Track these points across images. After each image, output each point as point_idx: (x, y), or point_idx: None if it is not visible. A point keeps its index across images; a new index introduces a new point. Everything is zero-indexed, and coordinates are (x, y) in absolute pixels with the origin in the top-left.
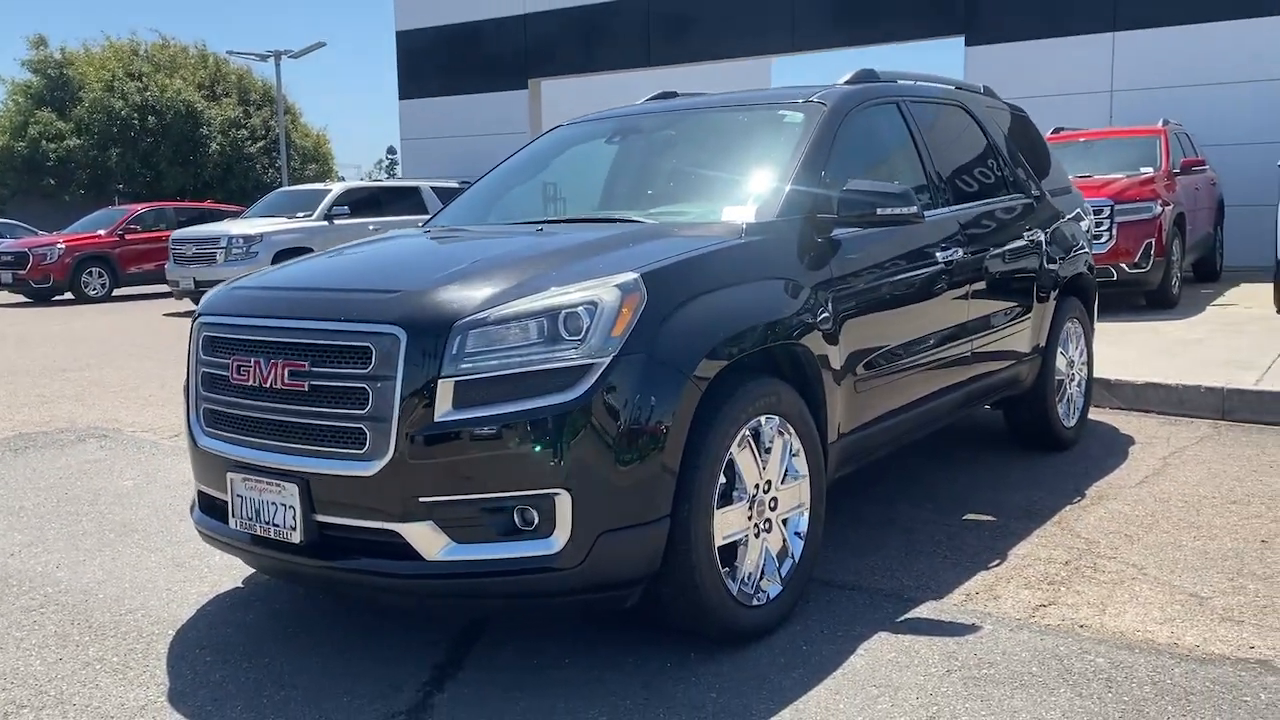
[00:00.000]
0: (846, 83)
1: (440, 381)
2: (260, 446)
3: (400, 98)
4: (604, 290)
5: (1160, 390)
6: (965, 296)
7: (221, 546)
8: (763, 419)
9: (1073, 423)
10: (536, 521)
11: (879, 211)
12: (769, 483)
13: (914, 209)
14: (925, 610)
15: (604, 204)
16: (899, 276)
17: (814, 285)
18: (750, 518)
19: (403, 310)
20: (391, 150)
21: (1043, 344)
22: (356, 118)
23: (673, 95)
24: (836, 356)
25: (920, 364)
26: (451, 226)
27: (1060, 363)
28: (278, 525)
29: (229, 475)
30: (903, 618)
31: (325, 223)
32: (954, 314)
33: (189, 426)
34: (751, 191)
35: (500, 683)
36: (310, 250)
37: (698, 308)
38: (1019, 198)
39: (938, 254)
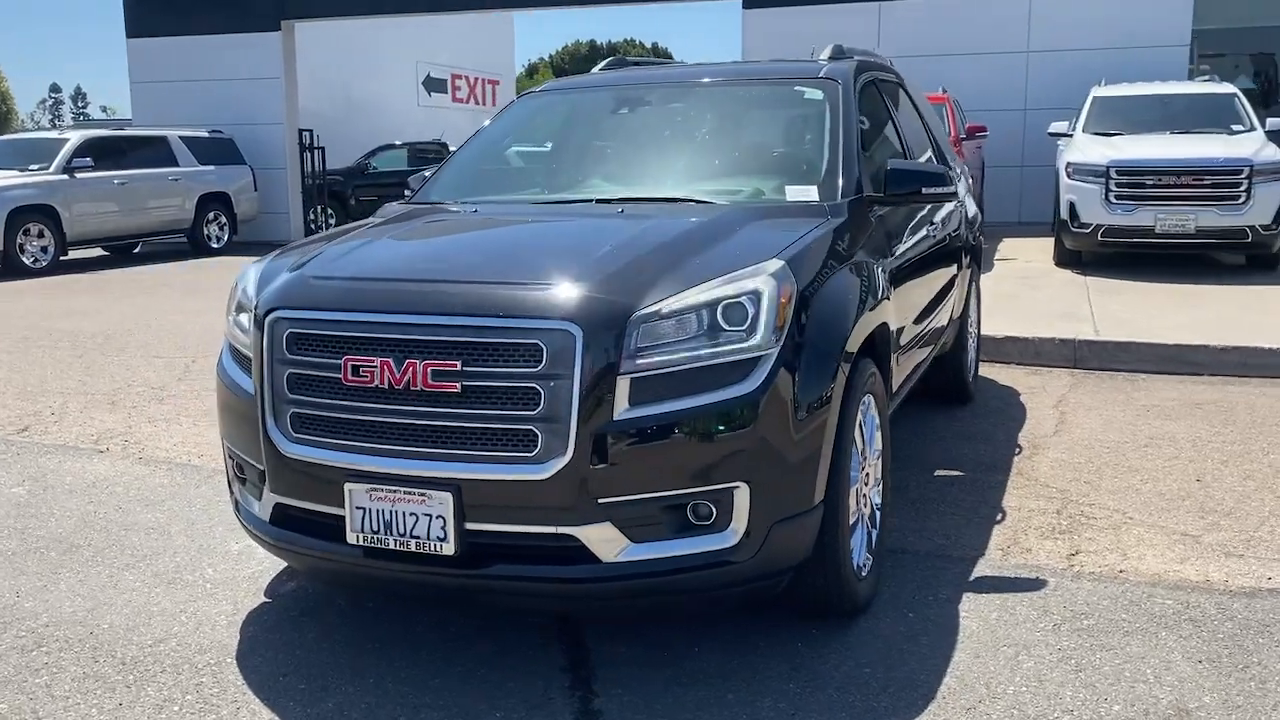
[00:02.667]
0: (829, 59)
1: (619, 379)
2: (394, 454)
3: (128, 36)
4: (761, 280)
5: (1019, 343)
6: (940, 266)
7: (309, 562)
8: (865, 398)
9: (973, 377)
10: (714, 515)
11: (924, 191)
12: (864, 459)
13: (953, 188)
14: (984, 569)
15: (646, 181)
16: (915, 251)
17: (880, 262)
18: (859, 495)
19: (577, 305)
20: (55, 88)
21: (962, 306)
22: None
23: (624, 62)
24: (895, 330)
25: (922, 332)
26: (486, 204)
27: (970, 323)
28: (419, 537)
29: (347, 486)
30: (971, 577)
31: (65, 176)
32: (937, 283)
33: (266, 432)
34: (806, 171)
35: (653, 680)
36: (54, 209)
37: (828, 291)
38: (946, 169)
39: (927, 227)
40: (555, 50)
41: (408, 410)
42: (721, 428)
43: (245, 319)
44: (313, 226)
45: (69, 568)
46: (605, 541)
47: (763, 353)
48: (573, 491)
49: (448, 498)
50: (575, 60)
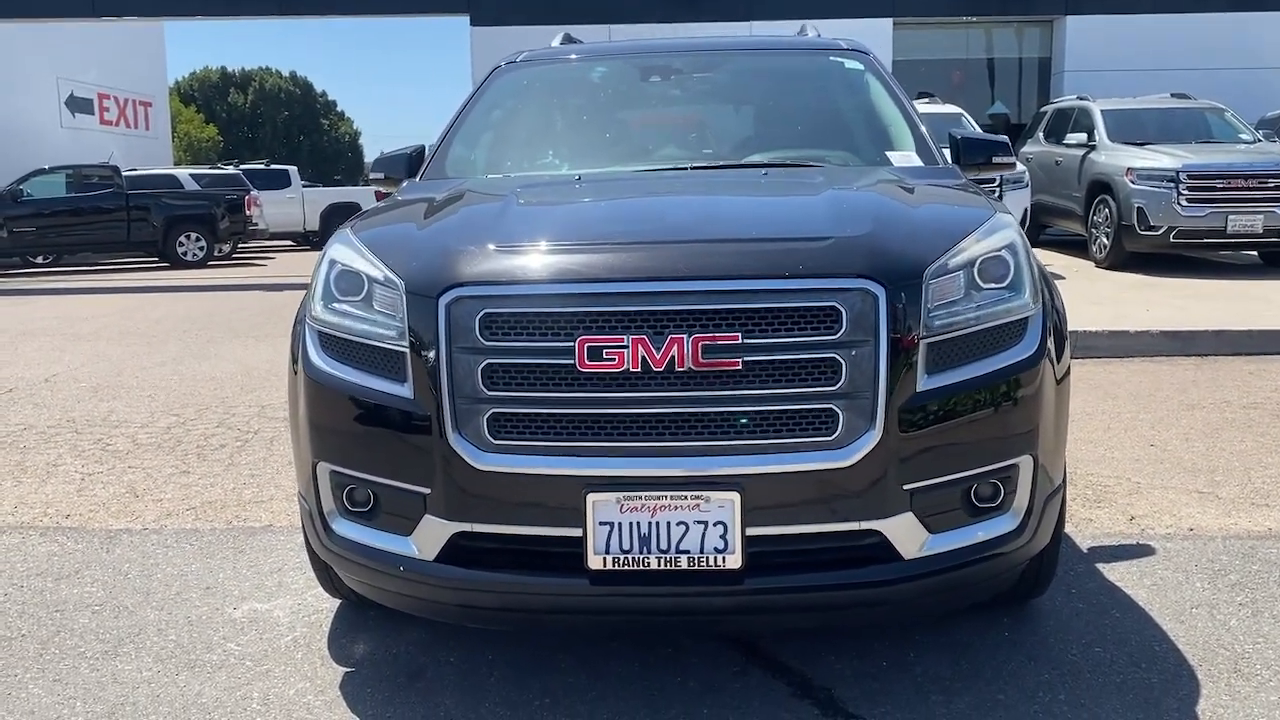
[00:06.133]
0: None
1: (922, 343)
2: (655, 452)
3: None
4: (1012, 233)
5: None
6: None
7: (515, 599)
8: None
9: None
10: (1001, 495)
11: (995, 160)
12: None
13: (1013, 158)
14: (1082, 540)
15: (728, 148)
16: None
17: None
18: None
19: (874, 259)
20: None
21: None
22: None
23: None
24: None
25: None
26: (578, 174)
27: None
28: (689, 551)
29: (590, 498)
30: (1085, 549)
31: None
32: None
33: (446, 442)
34: (892, 139)
35: (899, 691)
36: None
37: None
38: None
39: None
40: (183, 76)
41: (672, 397)
42: (1012, 396)
43: (382, 299)
44: None
45: (25, 668)
46: (908, 535)
47: (1030, 312)
48: (879, 478)
49: (731, 498)
50: (205, 87)
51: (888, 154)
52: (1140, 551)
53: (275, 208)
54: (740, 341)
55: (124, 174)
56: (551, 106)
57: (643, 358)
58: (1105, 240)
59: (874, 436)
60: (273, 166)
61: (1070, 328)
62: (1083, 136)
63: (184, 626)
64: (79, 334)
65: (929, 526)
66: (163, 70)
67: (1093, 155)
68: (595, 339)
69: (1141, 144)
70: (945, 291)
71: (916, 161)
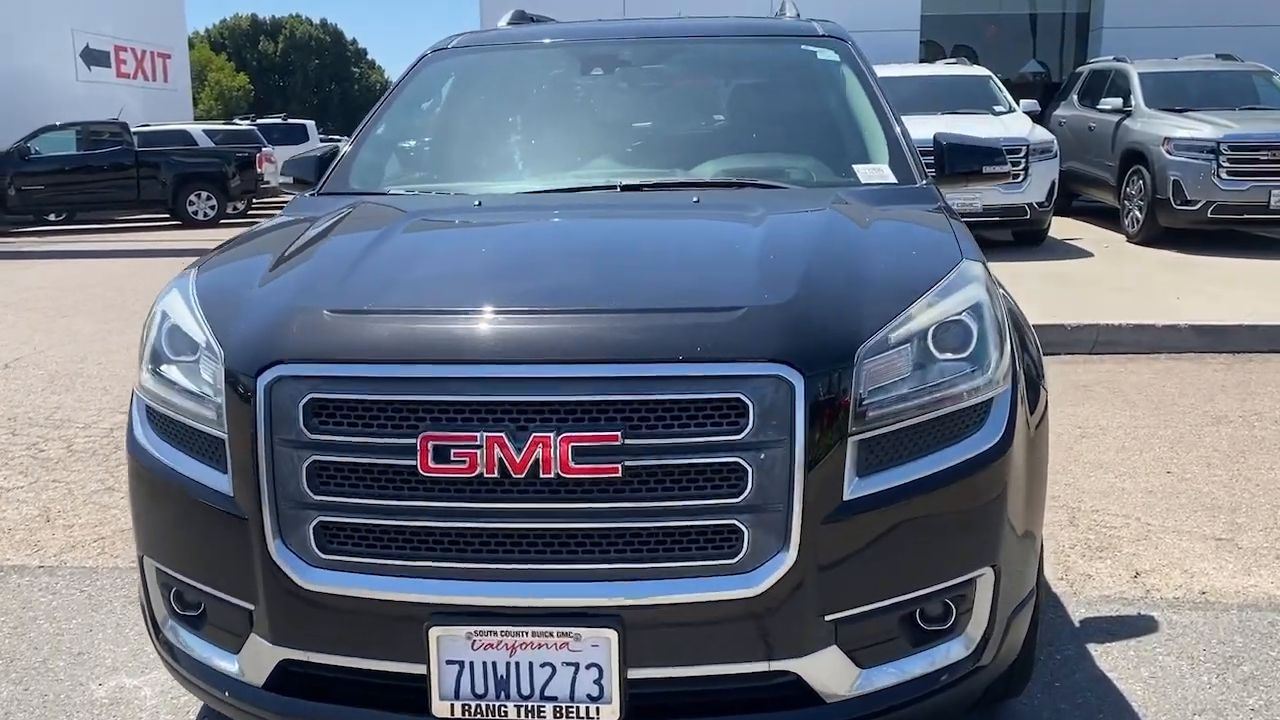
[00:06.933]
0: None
1: (850, 441)
2: (514, 576)
3: None
4: (976, 289)
5: None
6: None
7: None
8: None
9: None
10: (954, 615)
11: (985, 170)
12: None
13: (1008, 167)
14: (1076, 608)
15: (670, 161)
16: None
17: None
18: None
19: (788, 337)
20: None
21: None
22: None
23: (528, 17)
24: None
25: None
26: (479, 196)
27: None
28: (557, 699)
29: (434, 632)
30: (1076, 623)
31: None
32: None
33: (267, 553)
34: (860, 147)
35: None
36: None
37: (1004, 299)
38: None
39: None
40: (213, 24)
41: (536, 509)
42: (969, 498)
43: (204, 372)
44: None
45: None
46: (833, 674)
47: (996, 391)
48: (794, 609)
49: (607, 636)
50: (235, 35)
51: (855, 167)
52: (1141, 626)
53: None
54: (621, 442)
55: (136, 130)
56: (476, 106)
57: (500, 461)
58: (1138, 214)
59: (787, 558)
60: (290, 121)
61: (1092, 320)
62: (1118, 101)
63: (37, 707)
64: (60, 307)
65: (860, 661)
66: (182, 22)
67: (1128, 122)
68: (441, 436)
69: (1181, 110)
70: (885, 372)
71: (889, 177)
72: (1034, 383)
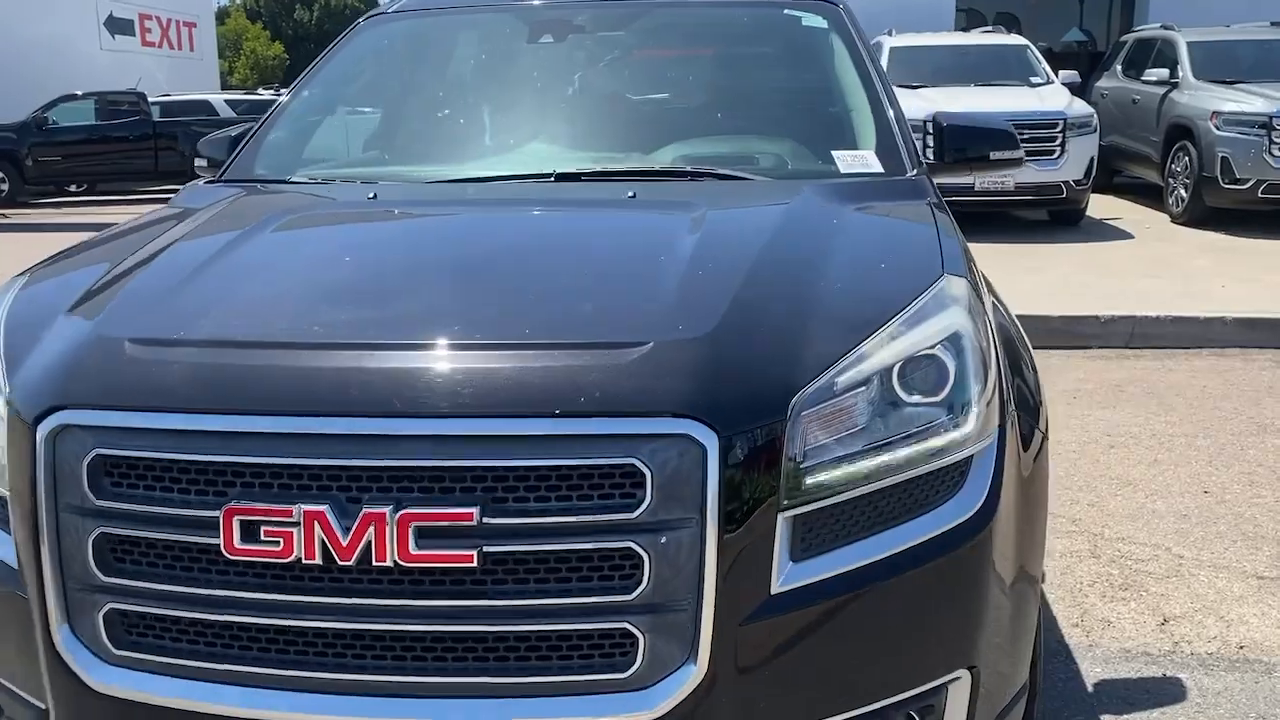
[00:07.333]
0: None
1: (781, 517)
2: (337, 688)
3: None
4: (956, 315)
5: None
6: None
7: None
8: None
9: None
10: None
11: (992, 156)
12: None
13: (1020, 151)
14: (1091, 668)
15: (615, 143)
16: None
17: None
18: None
19: (704, 383)
20: None
21: None
22: None
23: None
24: None
25: None
26: (379, 185)
27: None
28: None
29: None
30: (1089, 688)
31: None
32: None
33: (50, 643)
34: (844, 129)
35: None
36: None
37: (996, 322)
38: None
39: None
40: None
41: (366, 606)
42: (938, 583)
43: None
44: None
45: None
46: None
47: (978, 447)
48: None
49: None
50: (270, 4)
51: (835, 154)
52: (1164, 694)
53: None
54: (477, 521)
55: (156, 100)
56: (404, 80)
57: (322, 543)
58: (1183, 193)
59: (694, 672)
60: None
61: (1129, 311)
62: (1164, 72)
63: None
64: None
65: None
66: None
67: (1174, 95)
68: (249, 510)
69: (1231, 83)
70: (831, 425)
71: (873, 166)
72: (1030, 413)
